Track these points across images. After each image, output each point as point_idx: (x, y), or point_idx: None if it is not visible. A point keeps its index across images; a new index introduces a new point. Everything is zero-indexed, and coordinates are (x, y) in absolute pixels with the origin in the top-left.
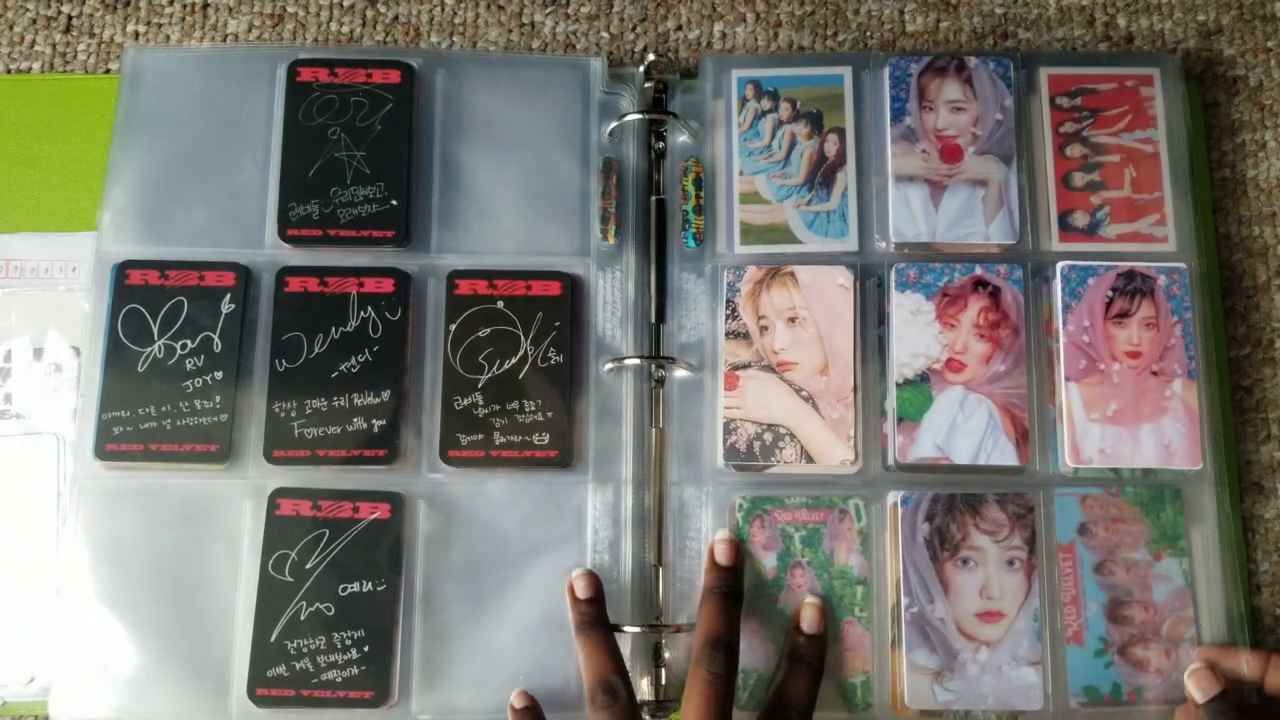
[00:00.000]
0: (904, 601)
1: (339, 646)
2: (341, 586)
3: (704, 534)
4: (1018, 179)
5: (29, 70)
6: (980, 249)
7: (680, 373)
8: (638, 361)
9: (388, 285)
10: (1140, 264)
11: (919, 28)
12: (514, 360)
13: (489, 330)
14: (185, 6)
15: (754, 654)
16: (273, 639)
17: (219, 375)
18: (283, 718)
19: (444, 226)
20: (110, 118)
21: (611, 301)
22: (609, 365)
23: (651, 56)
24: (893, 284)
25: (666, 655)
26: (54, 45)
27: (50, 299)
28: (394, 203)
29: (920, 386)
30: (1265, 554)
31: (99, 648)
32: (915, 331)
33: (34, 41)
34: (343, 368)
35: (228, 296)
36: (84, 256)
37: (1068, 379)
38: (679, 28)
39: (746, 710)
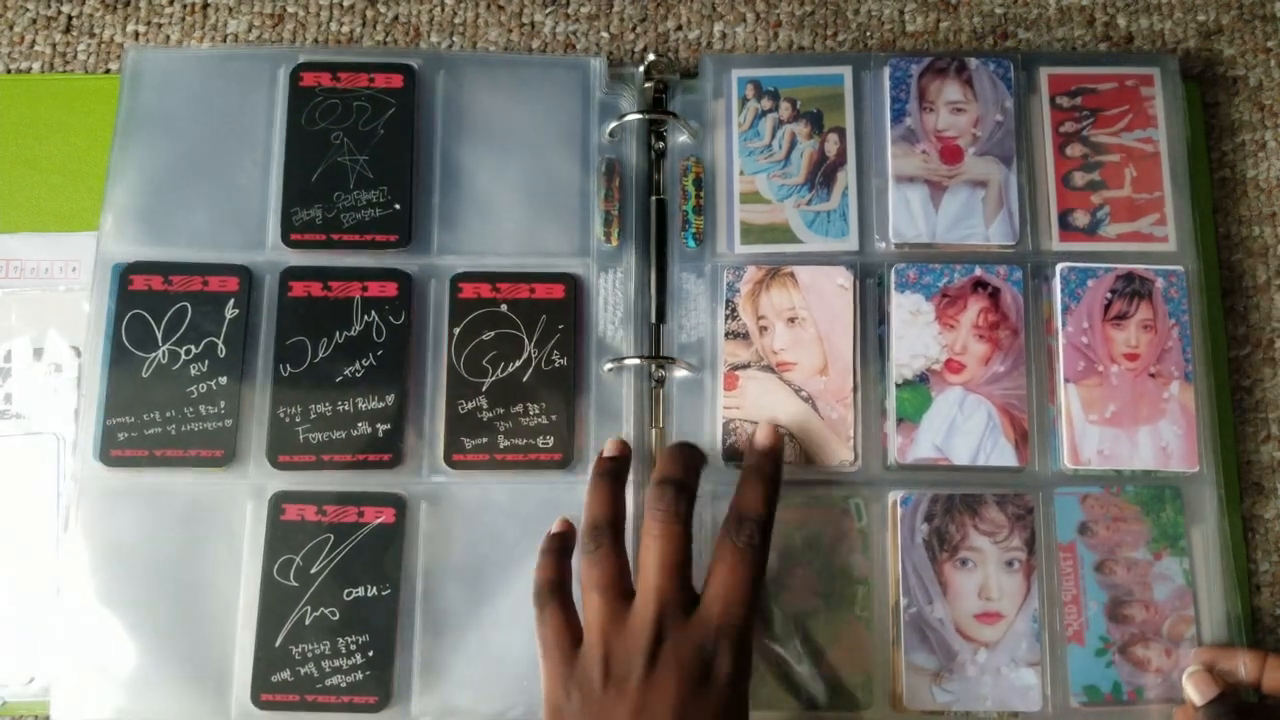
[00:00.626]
0: (903, 602)
1: (343, 651)
2: (346, 591)
3: (705, 533)
4: (1018, 180)
5: (29, 70)
6: (980, 249)
7: (680, 373)
8: (638, 361)
9: (391, 289)
10: (1139, 266)
11: (919, 28)
12: (518, 363)
13: (493, 334)
14: (185, 6)
15: (755, 654)
16: (277, 644)
17: (223, 380)
18: None
19: (445, 227)
20: (110, 118)
21: (612, 302)
22: (609, 365)
23: (651, 56)
24: (892, 284)
25: None
26: (54, 45)
27: (50, 299)
28: (397, 207)
29: (919, 387)
30: (1265, 554)
31: (99, 649)
32: (915, 332)
33: (34, 41)
34: (347, 372)
35: (231, 301)
36: (84, 256)
37: (1067, 380)
38: (679, 28)
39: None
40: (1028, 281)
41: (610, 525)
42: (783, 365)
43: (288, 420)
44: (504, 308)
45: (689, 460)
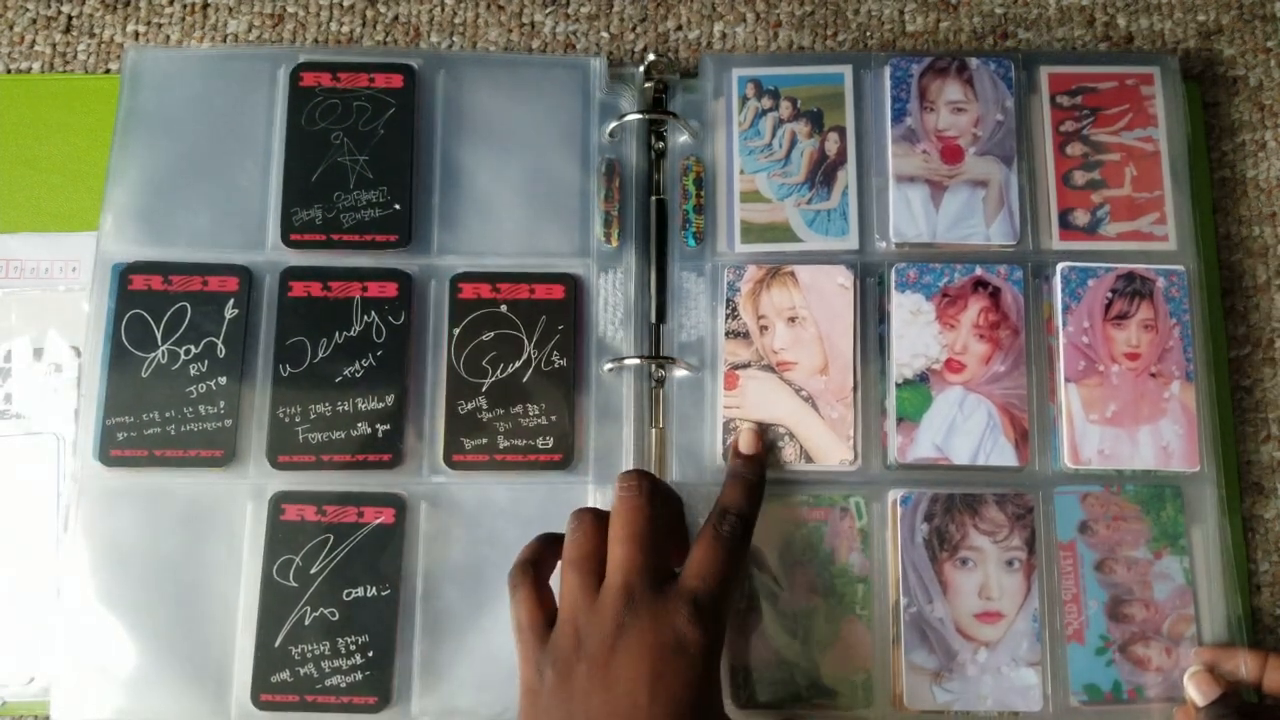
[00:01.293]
0: (903, 602)
1: (343, 652)
2: (346, 592)
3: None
4: (1018, 180)
5: (29, 70)
6: (980, 249)
7: (680, 372)
8: (638, 361)
9: (391, 290)
10: (1139, 266)
11: (919, 28)
12: (518, 364)
13: (493, 334)
14: (185, 6)
15: (754, 654)
16: (277, 644)
17: (223, 380)
18: None
19: (445, 228)
20: (110, 118)
21: (612, 302)
22: (609, 365)
23: (651, 56)
24: (892, 284)
25: None
26: (54, 45)
27: (50, 299)
28: (397, 207)
29: (919, 387)
30: (1265, 554)
31: (99, 649)
32: (915, 332)
33: (34, 41)
34: (346, 372)
35: (231, 301)
36: (84, 256)
37: (1067, 380)
38: (679, 28)
39: (747, 709)
40: (1028, 281)
41: (594, 511)
42: (783, 365)
43: (287, 420)
44: (504, 308)
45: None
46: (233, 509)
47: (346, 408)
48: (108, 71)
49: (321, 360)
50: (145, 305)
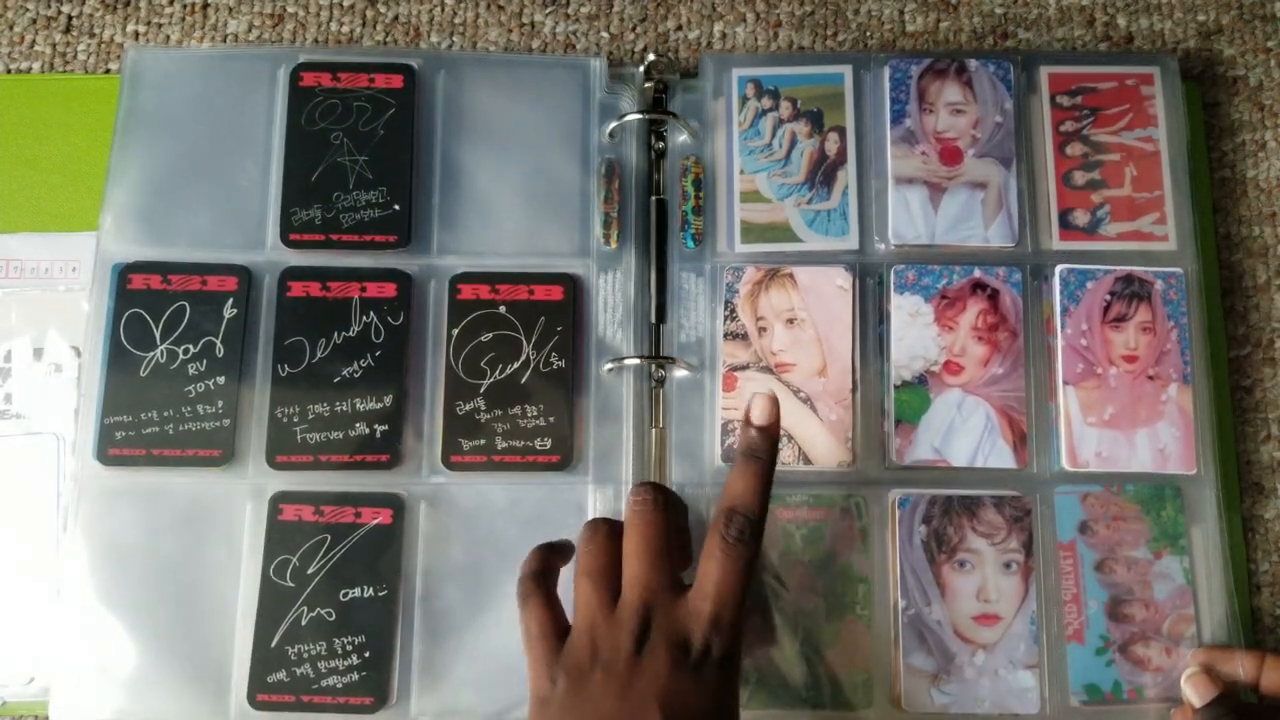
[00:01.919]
0: (901, 604)
1: (339, 652)
2: (343, 592)
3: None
4: (1017, 182)
5: (29, 70)
6: (979, 251)
7: (680, 372)
8: (637, 361)
9: (390, 290)
10: (1138, 268)
11: (919, 28)
12: (516, 365)
13: (491, 335)
14: (185, 6)
15: (755, 654)
16: (273, 644)
17: (221, 380)
18: None
19: (444, 227)
20: (110, 118)
21: (612, 302)
22: (609, 365)
23: (651, 56)
24: (891, 286)
25: None
26: (54, 45)
27: (50, 299)
28: (396, 207)
29: (918, 389)
30: (1265, 554)
31: (99, 649)
32: (914, 334)
33: (34, 41)
34: (345, 373)
35: (230, 301)
36: (84, 256)
37: (1065, 382)
38: (679, 28)
39: (747, 709)
40: (1027, 283)
41: (609, 522)
42: (781, 366)
43: (286, 420)
44: (502, 309)
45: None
46: (231, 509)
47: (345, 408)
48: (108, 71)
49: (320, 360)
50: (144, 304)
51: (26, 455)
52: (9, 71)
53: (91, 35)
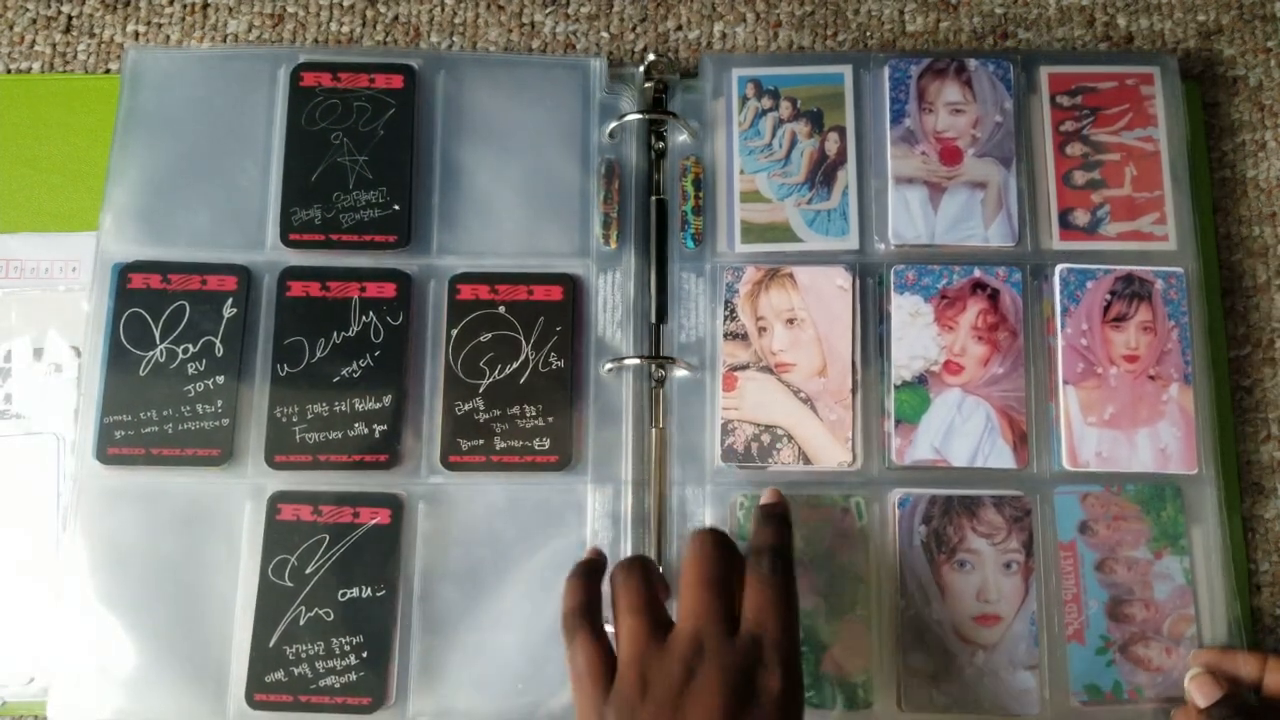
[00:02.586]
0: (901, 604)
1: (337, 652)
2: (341, 592)
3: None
4: (1017, 182)
5: (29, 70)
6: (979, 250)
7: (680, 372)
8: (637, 361)
9: (389, 290)
10: (1138, 268)
11: (919, 28)
12: (515, 365)
13: (490, 335)
14: (185, 6)
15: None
16: (271, 644)
17: (220, 379)
18: None
19: (444, 228)
20: (110, 118)
21: (612, 302)
22: (609, 365)
23: (651, 56)
24: (891, 286)
25: None
26: (54, 45)
27: (50, 299)
28: (396, 208)
29: (918, 389)
30: (1265, 554)
31: (99, 649)
32: (913, 333)
33: (34, 41)
34: (344, 373)
35: (229, 301)
36: (84, 256)
37: (1065, 382)
38: (679, 28)
39: None
40: (1027, 283)
41: (643, 559)
42: (781, 366)
43: (285, 420)
44: (502, 309)
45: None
46: (230, 509)
47: (344, 408)
48: (108, 71)
49: (319, 360)
50: (144, 304)
51: (26, 455)
52: (9, 71)
53: (91, 35)
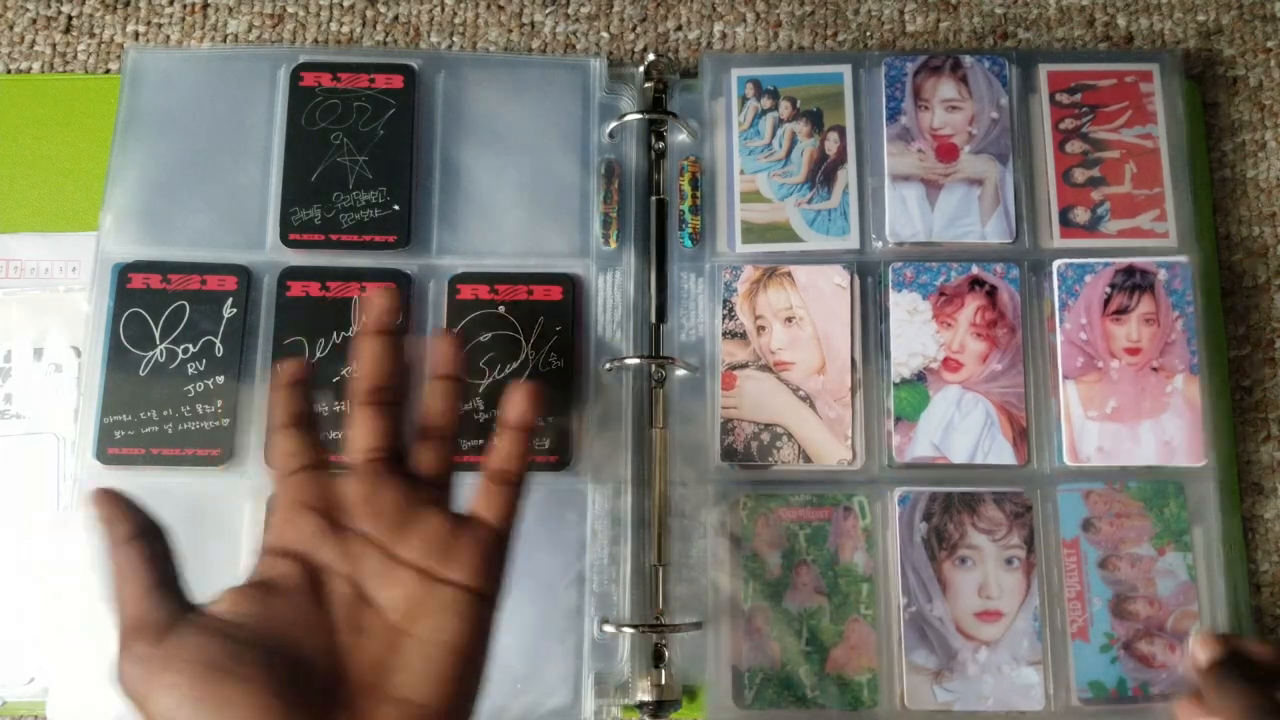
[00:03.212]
0: (902, 601)
1: None
2: None
3: (705, 533)
4: (1013, 178)
5: (29, 70)
6: (977, 247)
7: (680, 372)
8: (637, 361)
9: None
10: (1139, 259)
11: (919, 28)
12: (515, 365)
13: (490, 335)
14: (185, 6)
15: (760, 654)
16: None
17: (220, 379)
18: None
19: (444, 227)
20: (111, 118)
21: (611, 302)
22: (609, 365)
23: (651, 56)
24: (889, 283)
25: (666, 655)
26: (54, 45)
27: (50, 299)
28: (396, 208)
29: (917, 386)
30: (1265, 554)
31: (99, 649)
32: (912, 331)
33: (34, 41)
34: (344, 372)
35: (229, 301)
36: (84, 256)
37: (1065, 377)
38: (679, 28)
39: (751, 710)
40: (1025, 279)
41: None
42: (780, 365)
43: None
44: (501, 309)
45: None
46: (230, 509)
47: (344, 408)
48: (108, 71)
49: (319, 360)
50: (143, 304)
51: (26, 455)
52: (9, 71)
53: (91, 35)
